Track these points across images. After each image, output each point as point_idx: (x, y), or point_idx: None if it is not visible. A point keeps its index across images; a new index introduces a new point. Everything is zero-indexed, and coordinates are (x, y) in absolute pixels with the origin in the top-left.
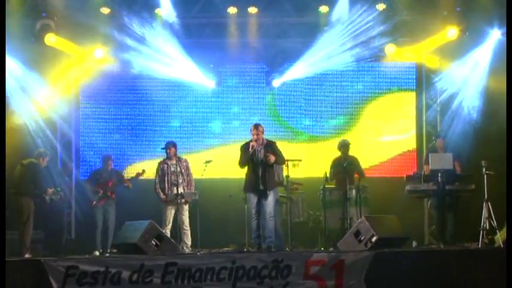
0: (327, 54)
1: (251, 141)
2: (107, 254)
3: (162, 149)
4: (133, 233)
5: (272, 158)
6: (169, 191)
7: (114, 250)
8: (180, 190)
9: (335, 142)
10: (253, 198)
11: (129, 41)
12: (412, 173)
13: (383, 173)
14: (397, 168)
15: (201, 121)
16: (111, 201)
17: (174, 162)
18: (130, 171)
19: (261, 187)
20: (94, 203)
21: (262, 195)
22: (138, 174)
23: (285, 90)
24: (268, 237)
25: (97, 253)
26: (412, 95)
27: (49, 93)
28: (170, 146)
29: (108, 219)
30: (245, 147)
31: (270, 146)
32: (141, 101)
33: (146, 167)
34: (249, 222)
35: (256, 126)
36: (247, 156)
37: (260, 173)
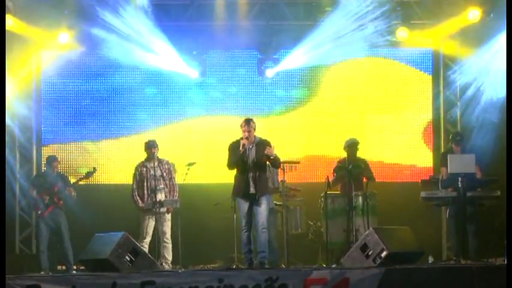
0: (329, 39)
1: (241, 138)
2: (73, 271)
3: (149, 147)
4: (104, 247)
5: (271, 151)
6: (149, 198)
7: (82, 267)
8: (161, 197)
9: (339, 141)
10: (243, 205)
11: (99, 24)
12: (428, 177)
13: (394, 178)
14: (411, 172)
15: (182, 117)
16: (58, 209)
17: (155, 165)
18: (99, 175)
19: (252, 191)
20: (40, 212)
21: (253, 201)
22: (89, 174)
23: (281, 81)
24: (261, 252)
25: (43, 273)
26: (428, 87)
27: (6, 84)
28: (154, 145)
29: (59, 230)
30: (234, 146)
31: (263, 145)
32: (112, 93)
33: (122, 170)
34: (238, 234)
35: (248, 121)
36: (237, 156)
37: (251, 175)
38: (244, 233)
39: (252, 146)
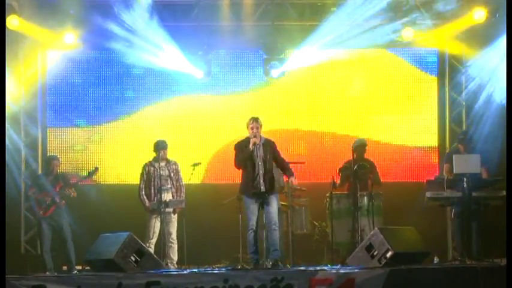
0: (334, 39)
1: (247, 138)
2: (75, 272)
3: (160, 148)
4: (110, 247)
5: (296, 181)
6: (155, 198)
7: (87, 267)
8: (168, 197)
9: (342, 142)
10: (252, 204)
11: (104, 24)
12: (433, 177)
13: (399, 178)
14: (416, 172)
15: (187, 117)
16: (60, 209)
17: (163, 165)
18: (105, 176)
19: (262, 189)
20: (41, 212)
21: (263, 200)
22: (91, 174)
23: (286, 81)
24: (274, 250)
25: (48, 273)
26: (433, 87)
27: (11, 84)
28: (164, 146)
29: (61, 230)
30: (241, 146)
31: (270, 145)
32: (118, 94)
33: (126, 171)
34: (244, 235)
35: (256, 119)
36: (246, 154)
37: (261, 173)
38: (251, 232)
39: (259, 145)
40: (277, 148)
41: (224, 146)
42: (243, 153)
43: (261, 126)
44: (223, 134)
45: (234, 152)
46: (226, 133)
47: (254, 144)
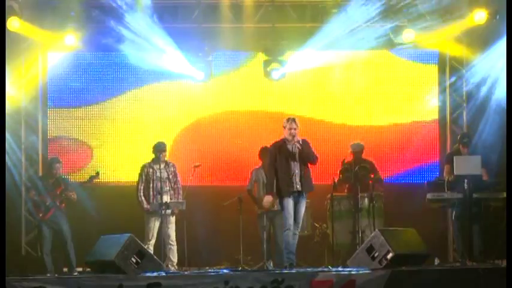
0: (335, 41)
1: (286, 139)
2: (76, 273)
3: (159, 150)
4: (110, 248)
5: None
6: (154, 200)
7: (88, 268)
8: (167, 199)
9: (343, 144)
10: (290, 204)
11: (104, 26)
12: (433, 179)
13: (400, 179)
14: (417, 173)
15: (188, 119)
16: (60, 212)
17: (161, 167)
18: (105, 178)
19: (299, 188)
20: (41, 215)
21: (297, 199)
22: (92, 178)
23: (286, 83)
24: (292, 253)
25: (48, 275)
26: (434, 88)
27: (11, 85)
28: (163, 148)
29: (61, 232)
30: (278, 146)
31: (305, 144)
32: (118, 94)
33: (127, 172)
34: (244, 236)
35: (294, 119)
36: (287, 155)
37: (297, 172)
38: (288, 232)
39: (296, 145)
40: (310, 144)
41: (225, 147)
42: (284, 154)
43: (298, 126)
44: (223, 134)
45: (271, 153)
46: (226, 134)
47: (298, 142)
